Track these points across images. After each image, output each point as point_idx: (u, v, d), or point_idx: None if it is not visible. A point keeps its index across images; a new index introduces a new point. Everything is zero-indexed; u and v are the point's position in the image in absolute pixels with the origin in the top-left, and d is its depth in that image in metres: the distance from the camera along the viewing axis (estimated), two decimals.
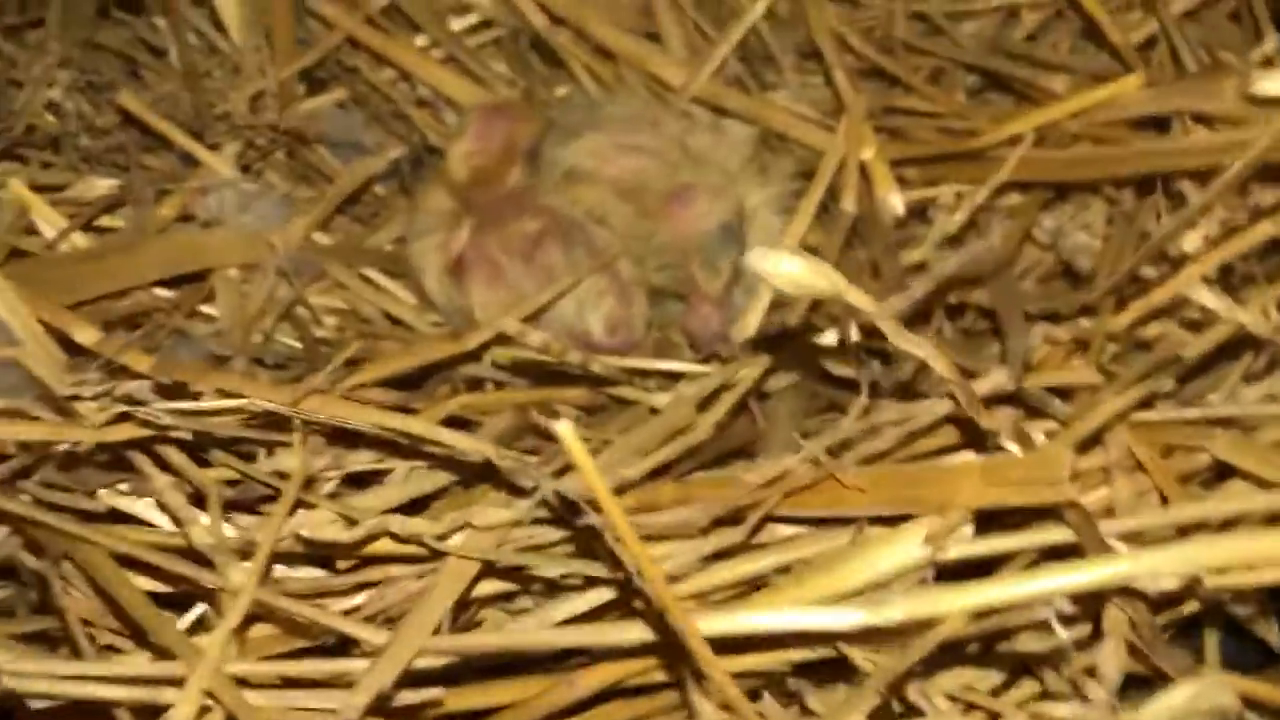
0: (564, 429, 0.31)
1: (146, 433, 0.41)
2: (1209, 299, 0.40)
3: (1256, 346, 0.43)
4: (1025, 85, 0.62)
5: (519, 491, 0.42)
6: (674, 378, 0.54)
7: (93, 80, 0.67)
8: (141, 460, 0.43)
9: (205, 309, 0.58)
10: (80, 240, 0.57)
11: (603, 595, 0.40)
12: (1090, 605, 0.37)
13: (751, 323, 0.53)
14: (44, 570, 0.42)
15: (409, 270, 0.63)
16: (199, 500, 0.42)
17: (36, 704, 0.38)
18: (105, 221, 0.60)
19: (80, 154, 0.63)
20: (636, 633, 0.37)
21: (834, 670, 0.40)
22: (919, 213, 0.60)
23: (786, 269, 0.35)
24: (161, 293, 0.57)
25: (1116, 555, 0.36)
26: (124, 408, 0.41)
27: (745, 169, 0.61)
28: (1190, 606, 0.41)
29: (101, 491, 0.44)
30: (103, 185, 0.59)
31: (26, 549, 0.43)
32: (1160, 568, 0.34)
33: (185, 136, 0.63)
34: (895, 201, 0.58)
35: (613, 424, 0.51)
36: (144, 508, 0.44)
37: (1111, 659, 0.36)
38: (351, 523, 0.41)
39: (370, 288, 0.63)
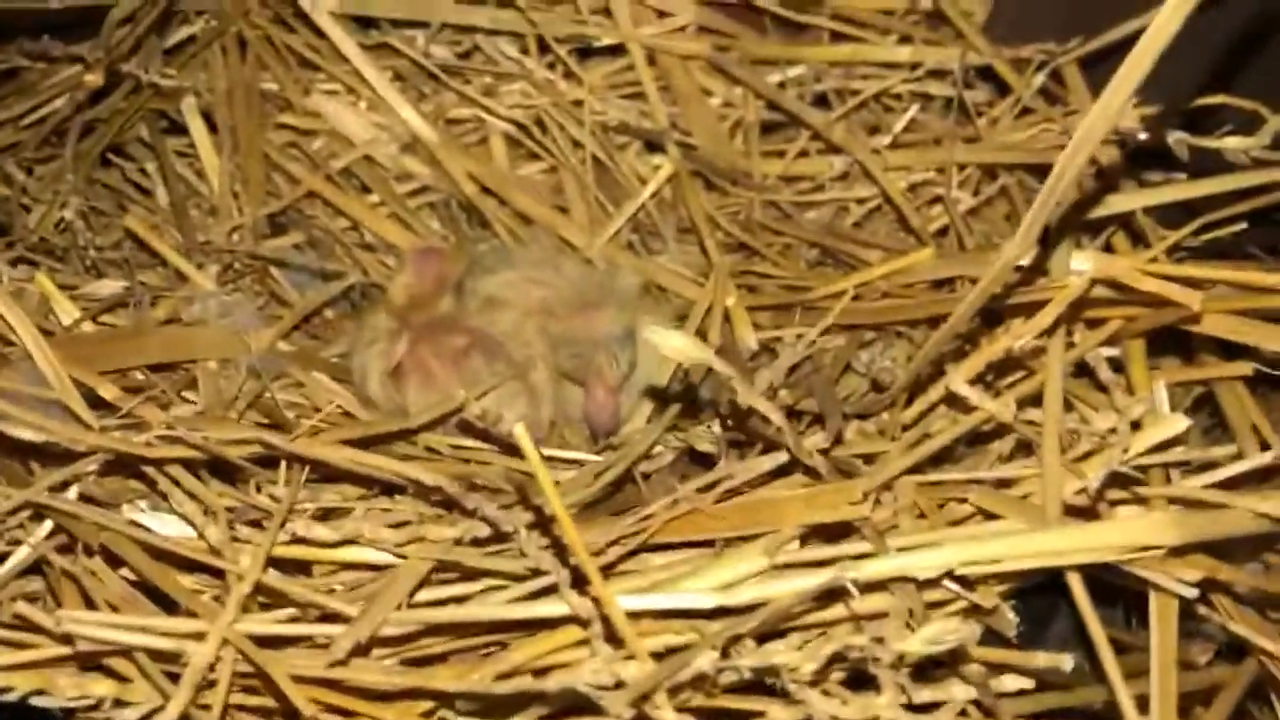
0: (518, 430, 0.45)
1: (183, 453, 0.53)
2: (966, 391, 0.56)
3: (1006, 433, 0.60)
4: (851, 258, 0.80)
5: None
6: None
7: (95, 207, 0.80)
8: (163, 481, 0.55)
9: (187, 395, 0.70)
10: (89, 329, 0.69)
11: (527, 588, 0.53)
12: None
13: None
14: (73, 570, 0.53)
15: (352, 379, 0.76)
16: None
17: None
18: (106, 319, 0.72)
19: (85, 264, 0.76)
20: (561, 609, 0.50)
21: None
22: (768, 349, 0.77)
23: (673, 341, 0.50)
24: (153, 376, 0.69)
25: (893, 557, 0.50)
26: (166, 432, 0.53)
27: (635, 305, 0.77)
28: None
29: (124, 506, 0.55)
30: (110, 286, 0.72)
31: (58, 550, 0.54)
32: (921, 563, 0.49)
33: (177, 255, 0.76)
34: (750, 339, 0.74)
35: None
36: (154, 521, 0.55)
37: (893, 631, 0.50)
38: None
39: (322, 388, 0.76)
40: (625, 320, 0.75)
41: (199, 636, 0.49)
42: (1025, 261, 0.66)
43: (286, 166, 0.87)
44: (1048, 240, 0.66)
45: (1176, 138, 0.73)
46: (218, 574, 0.54)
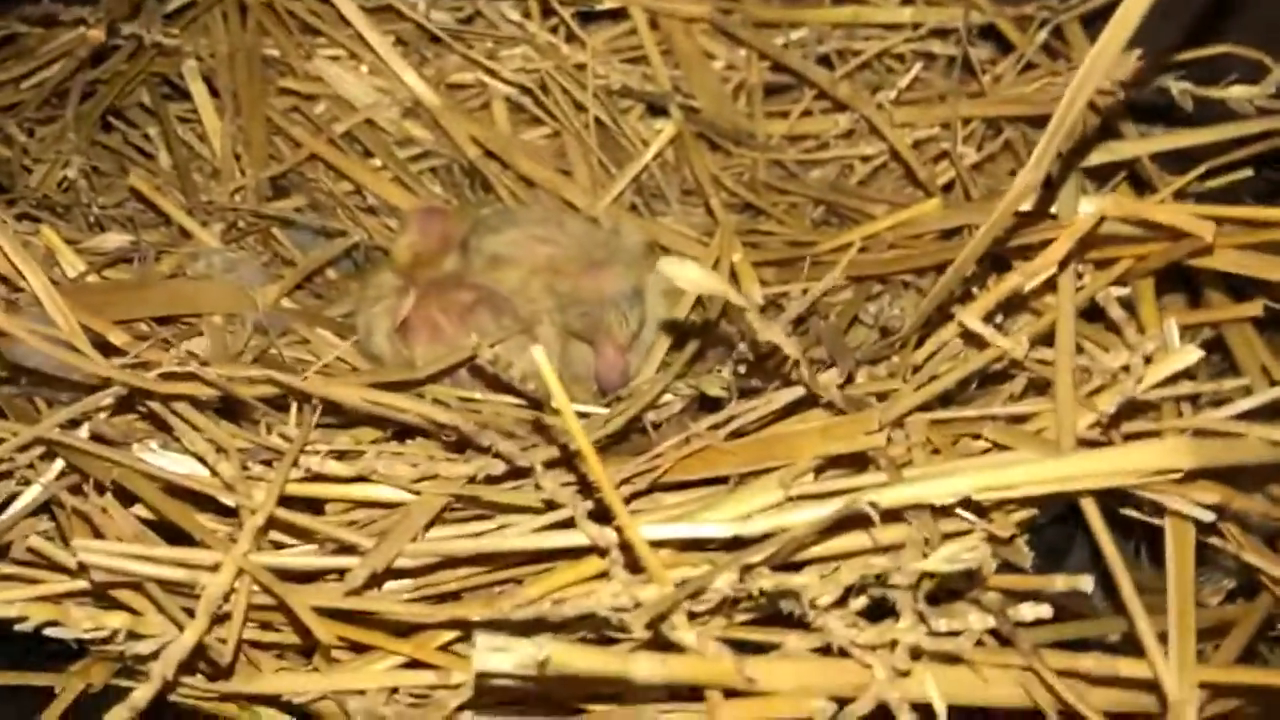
0: (537, 352, 0.45)
1: (195, 389, 0.53)
2: (979, 327, 0.56)
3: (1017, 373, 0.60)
4: (857, 213, 0.80)
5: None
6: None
7: (97, 168, 0.80)
8: (174, 420, 0.55)
9: (192, 349, 0.70)
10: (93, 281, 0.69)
11: (544, 520, 0.53)
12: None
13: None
14: (85, 508, 0.53)
15: (356, 336, 0.76)
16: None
17: None
18: (110, 274, 0.72)
19: (89, 221, 0.75)
20: (579, 539, 0.50)
21: None
22: (775, 305, 0.77)
23: (689, 272, 0.50)
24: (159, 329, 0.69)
25: (909, 483, 0.50)
26: (177, 367, 0.52)
27: (640, 262, 0.77)
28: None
29: (134, 445, 0.55)
30: (115, 239, 0.71)
31: (69, 491, 0.54)
32: (938, 490, 0.49)
33: (181, 213, 0.76)
34: (756, 294, 0.74)
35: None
36: (165, 460, 0.55)
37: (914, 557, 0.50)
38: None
39: (327, 345, 0.75)
40: (633, 278, 0.75)
41: (214, 568, 0.48)
42: (1031, 206, 0.66)
43: (288, 130, 0.87)
44: (1054, 185, 0.67)
45: (1181, 88, 0.73)
46: (231, 514, 0.54)
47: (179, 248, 0.74)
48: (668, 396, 0.67)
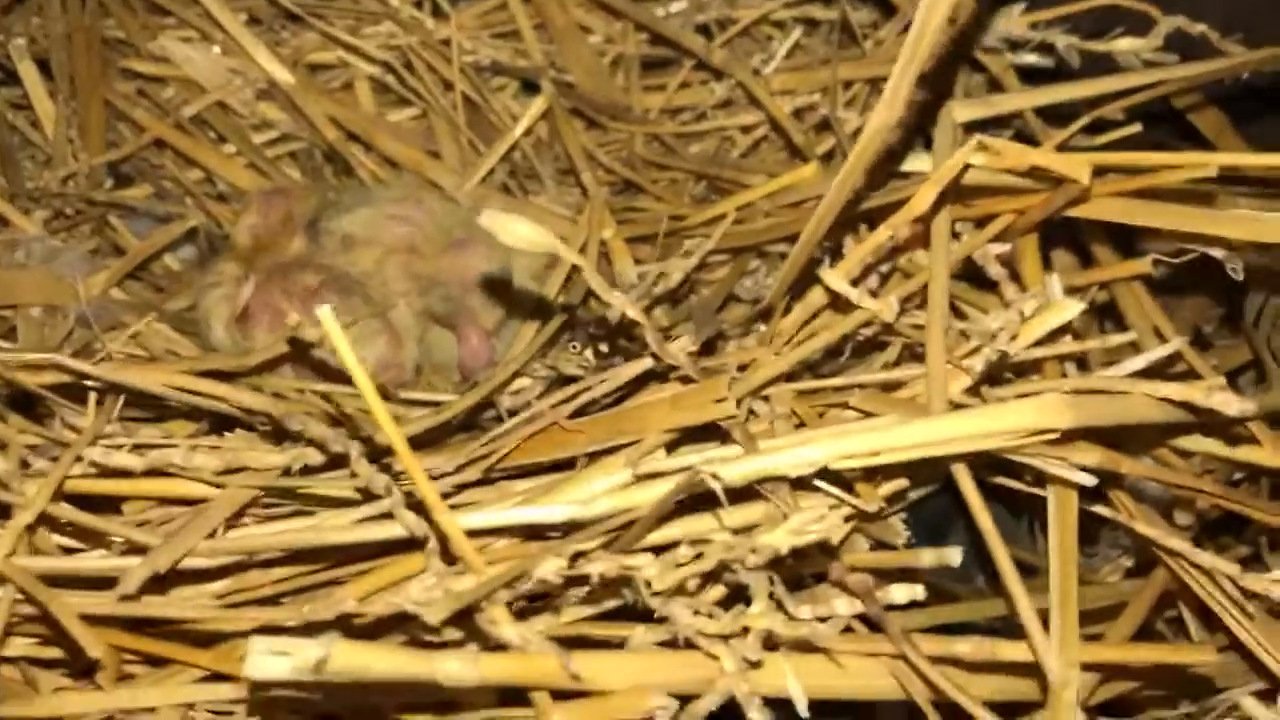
0: (323, 312, 0.39)
1: None
2: (843, 288, 0.52)
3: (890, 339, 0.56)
4: (736, 187, 0.75)
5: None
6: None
7: None
8: None
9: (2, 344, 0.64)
10: None
11: (360, 513, 0.47)
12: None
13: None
14: None
15: (195, 329, 0.70)
16: None
17: None
18: None
19: None
20: (396, 531, 0.45)
21: None
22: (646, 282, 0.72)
23: (516, 228, 0.45)
24: None
25: (760, 454, 0.45)
26: None
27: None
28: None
29: None
30: None
31: None
32: (792, 460, 0.44)
33: None
34: (630, 271, 0.69)
35: None
36: None
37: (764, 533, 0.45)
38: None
39: (162, 339, 0.69)
40: (498, 259, 0.70)
41: None
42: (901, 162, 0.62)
43: (131, 114, 0.81)
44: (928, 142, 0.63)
45: (1067, 42, 0.70)
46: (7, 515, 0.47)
47: None
48: (524, 381, 0.62)
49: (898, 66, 0.45)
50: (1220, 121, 0.69)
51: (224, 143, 0.83)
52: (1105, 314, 0.65)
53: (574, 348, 0.60)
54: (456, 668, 0.38)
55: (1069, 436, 0.46)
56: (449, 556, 0.44)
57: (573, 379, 0.58)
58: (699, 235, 0.70)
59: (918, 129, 0.64)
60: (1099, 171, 0.52)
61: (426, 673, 0.37)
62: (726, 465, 0.44)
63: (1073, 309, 0.49)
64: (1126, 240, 0.62)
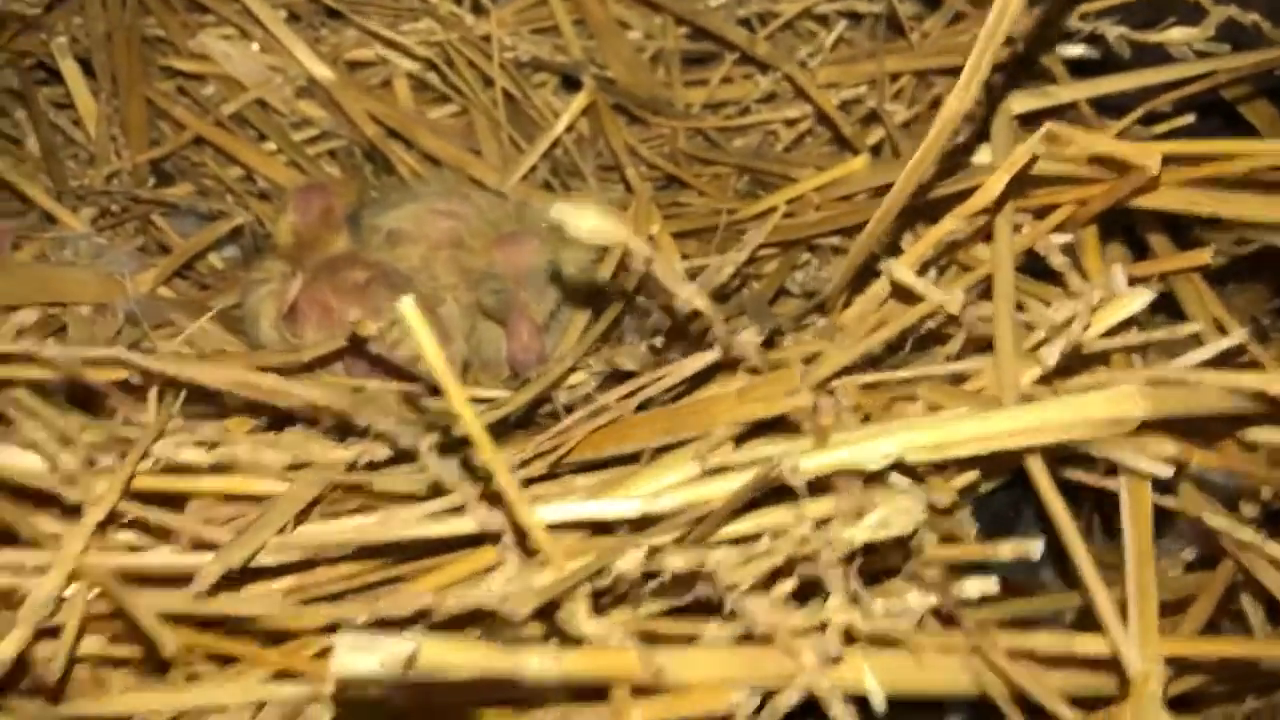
0: (406, 304, 0.39)
1: (33, 372, 0.46)
2: (909, 279, 0.51)
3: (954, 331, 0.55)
4: (782, 181, 0.75)
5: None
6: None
7: None
8: (12, 409, 0.48)
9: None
10: None
11: (430, 508, 0.47)
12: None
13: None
14: None
15: (242, 328, 0.70)
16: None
17: None
18: None
19: None
20: (469, 526, 0.44)
21: None
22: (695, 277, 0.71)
23: (585, 219, 0.45)
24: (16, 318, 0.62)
25: (833, 447, 0.45)
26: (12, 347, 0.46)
27: (551, 235, 0.71)
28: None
29: None
30: None
31: None
32: (867, 453, 0.44)
33: (45, 196, 0.69)
34: (677, 265, 0.69)
35: None
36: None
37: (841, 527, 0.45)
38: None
39: (210, 337, 0.69)
40: (549, 252, 0.69)
41: (42, 571, 0.42)
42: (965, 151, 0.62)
43: (171, 112, 0.80)
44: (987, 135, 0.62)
45: (1118, 33, 0.69)
46: (77, 514, 0.47)
47: (42, 233, 0.67)
48: (580, 375, 0.62)
49: (973, 54, 0.44)
50: (1271, 113, 0.68)
51: (264, 140, 0.83)
52: (1160, 304, 0.65)
53: (632, 340, 0.59)
54: (540, 664, 0.38)
55: (1143, 428, 0.45)
56: (526, 550, 0.43)
57: (630, 374, 0.58)
58: (749, 230, 0.70)
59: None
60: (1166, 161, 0.52)
61: (511, 669, 0.37)
62: (803, 458, 0.44)
63: (1142, 299, 0.49)
64: (1183, 230, 0.62)
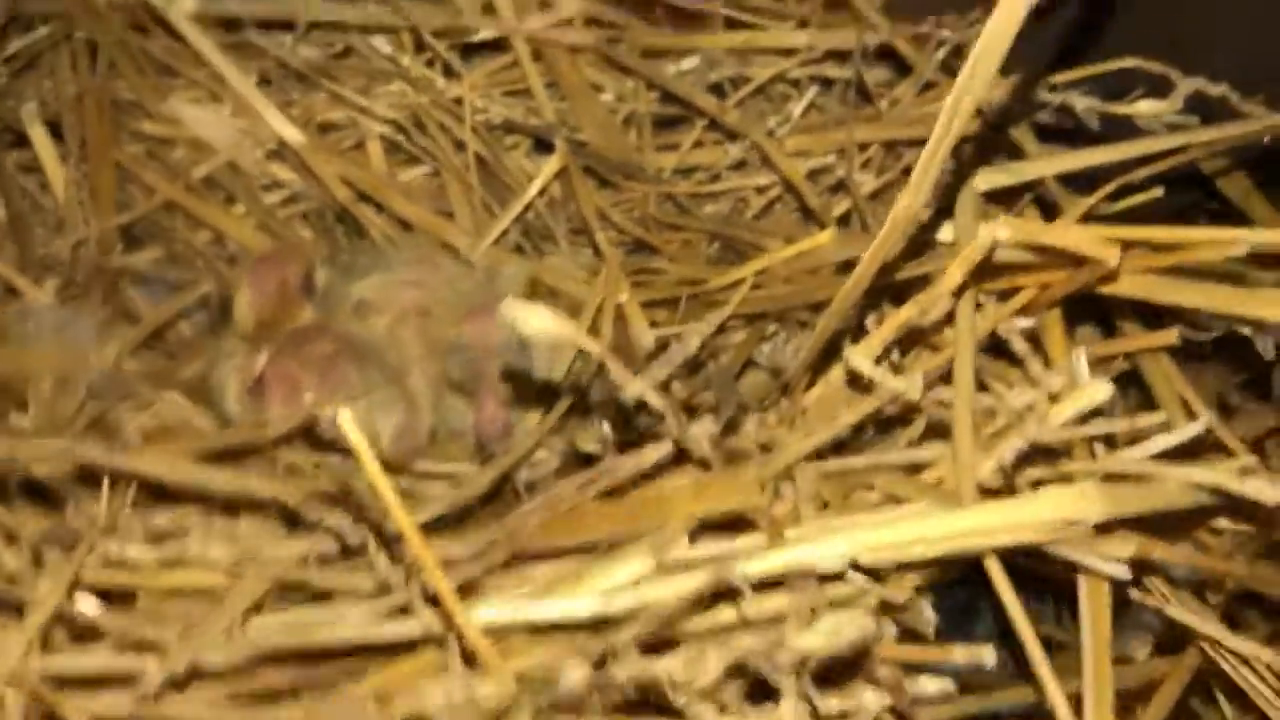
0: (344, 417, 0.39)
1: None
2: (867, 368, 0.51)
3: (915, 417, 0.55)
4: (752, 249, 0.75)
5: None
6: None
7: None
8: None
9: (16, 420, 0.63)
10: None
11: (379, 608, 0.46)
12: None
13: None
14: None
15: (209, 398, 0.69)
16: None
17: None
18: None
19: None
20: (415, 628, 0.44)
21: None
22: (666, 348, 0.71)
23: (534, 318, 0.44)
24: None
25: (786, 547, 0.44)
26: None
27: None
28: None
29: None
30: None
31: None
32: (821, 553, 0.43)
33: (7, 268, 0.69)
34: (646, 336, 0.69)
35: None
36: None
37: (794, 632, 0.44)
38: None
39: (177, 410, 0.68)
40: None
41: None
42: (926, 233, 0.61)
43: (142, 176, 0.80)
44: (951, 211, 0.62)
45: (1086, 104, 0.69)
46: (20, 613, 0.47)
47: (3, 306, 0.67)
48: (543, 453, 0.61)
49: (924, 156, 0.44)
50: (1247, 186, 0.68)
51: (234, 203, 0.82)
52: (1128, 380, 0.64)
53: (594, 423, 0.59)
54: None
55: (1102, 525, 0.45)
56: (470, 652, 0.43)
57: (591, 457, 0.58)
58: (717, 300, 0.69)
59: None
60: (1126, 246, 0.52)
61: None
62: (754, 559, 0.43)
63: (1102, 392, 0.48)
64: (1151, 308, 0.61)
